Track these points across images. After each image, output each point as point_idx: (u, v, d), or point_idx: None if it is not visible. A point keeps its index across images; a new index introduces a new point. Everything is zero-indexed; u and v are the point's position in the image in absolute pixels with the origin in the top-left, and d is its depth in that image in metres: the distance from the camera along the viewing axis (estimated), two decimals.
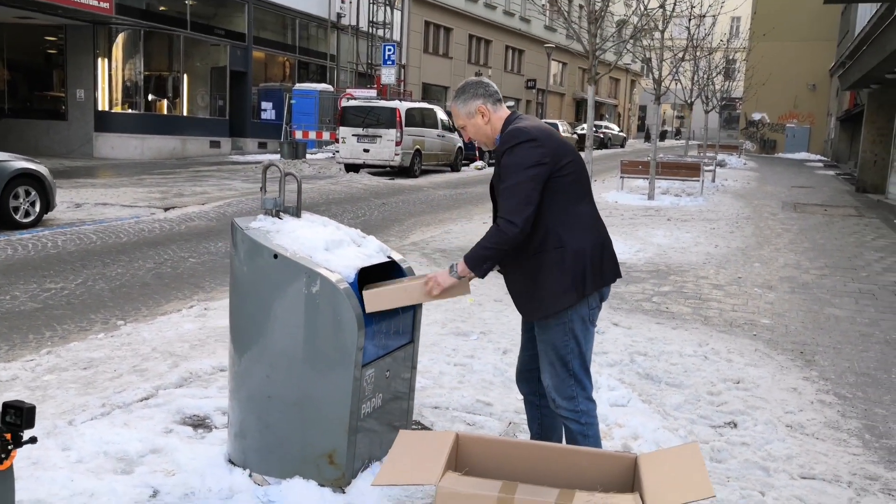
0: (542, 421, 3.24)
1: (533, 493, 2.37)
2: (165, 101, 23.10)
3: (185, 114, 23.54)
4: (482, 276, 2.92)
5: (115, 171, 17.47)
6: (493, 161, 3.12)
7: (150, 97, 22.45)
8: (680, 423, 4.02)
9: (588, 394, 2.97)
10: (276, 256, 2.95)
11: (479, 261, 2.88)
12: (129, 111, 21.94)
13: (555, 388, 2.94)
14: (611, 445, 3.65)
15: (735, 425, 4.03)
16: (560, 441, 3.22)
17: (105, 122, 21.28)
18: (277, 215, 3.23)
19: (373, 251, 3.32)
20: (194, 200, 12.62)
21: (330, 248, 3.11)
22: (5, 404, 1.54)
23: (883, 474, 3.55)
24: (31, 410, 1.51)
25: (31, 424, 1.51)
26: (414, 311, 3.40)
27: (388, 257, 3.39)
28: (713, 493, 2.30)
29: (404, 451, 2.58)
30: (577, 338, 2.90)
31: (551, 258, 2.86)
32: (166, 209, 11.49)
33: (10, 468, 1.56)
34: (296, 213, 3.32)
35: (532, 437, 3.25)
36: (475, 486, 2.41)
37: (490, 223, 3.04)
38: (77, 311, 5.98)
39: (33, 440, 1.57)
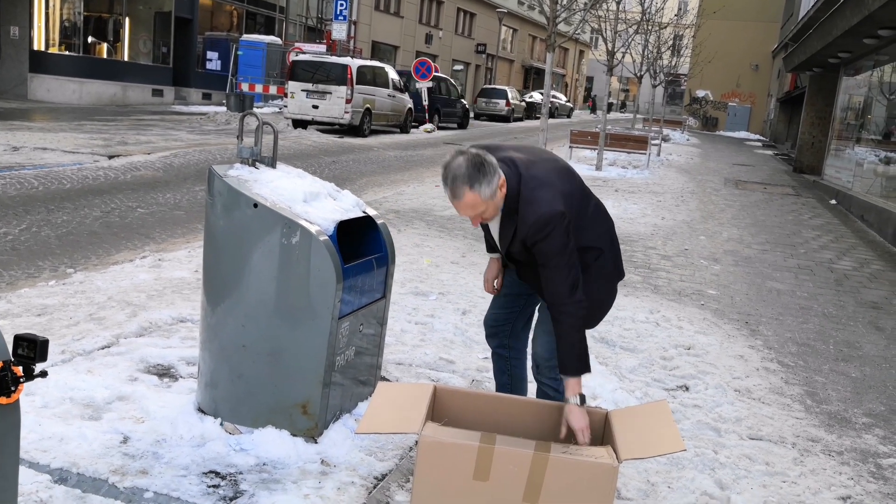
0: (512, 372, 3.29)
1: (511, 444, 2.45)
2: (106, 45, 22.23)
3: (126, 59, 22.71)
4: (589, 370, 2.75)
5: (53, 115, 16.80)
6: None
7: (89, 39, 21.57)
8: (636, 385, 4.16)
9: None
10: (255, 206, 2.92)
11: (580, 360, 2.67)
12: (67, 53, 21.05)
13: (545, 357, 2.99)
14: None
15: (687, 389, 4.20)
16: (526, 392, 3.31)
17: (41, 62, 20.36)
18: (254, 165, 3.19)
19: (349, 205, 3.31)
20: (139, 149, 12.25)
21: (308, 200, 3.09)
22: (17, 336, 1.51)
23: (824, 437, 3.76)
24: (44, 343, 1.48)
25: (44, 358, 1.49)
26: (387, 267, 3.43)
27: (364, 212, 3.40)
28: (685, 447, 2.42)
29: (385, 402, 2.62)
30: None
31: (597, 269, 2.86)
32: (110, 157, 11.13)
33: (18, 402, 1.54)
34: (272, 163, 3.29)
35: (499, 388, 3.30)
36: (456, 436, 2.47)
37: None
38: (23, 258, 5.80)
39: (44, 374, 1.54)
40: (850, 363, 4.94)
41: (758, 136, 39.82)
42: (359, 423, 2.59)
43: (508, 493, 2.40)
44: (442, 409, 2.78)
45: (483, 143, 2.92)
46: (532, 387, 3.26)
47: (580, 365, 2.67)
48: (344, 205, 3.30)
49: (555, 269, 2.64)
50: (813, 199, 14.48)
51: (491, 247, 3.10)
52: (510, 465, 2.39)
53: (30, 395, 3.09)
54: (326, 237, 2.96)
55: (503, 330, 3.21)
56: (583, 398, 2.64)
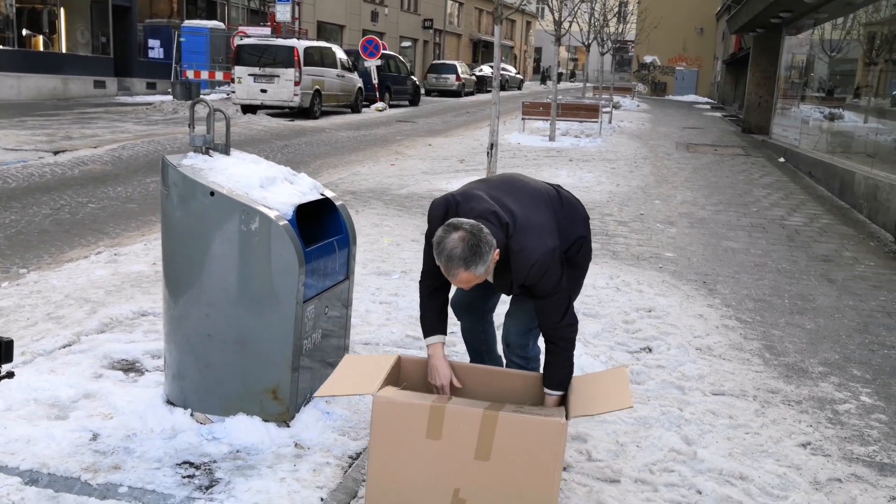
0: (487, 339, 3.32)
1: (464, 403, 2.52)
2: (42, 37, 21.54)
3: (64, 51, 22.05)
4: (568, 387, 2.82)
5: None
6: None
7: (24, 32, 20.87)
8: (600, 349, 4.24)
9: (537, 339, 3.10)
10: (212, 194, 2.89)
11: (567, 379, 2.77)
12: (2, 47, 20.33)
13: (517, 332, 3.05)
14: None
15: (650, 350, 4.29)
16: (501, 361, 3.35)
17: None
18: (207, 153, 3.15)
19: (306, 188, 3.30)
20: (85, 143, 11.96)
21: (265, 185, 3.07)
22: None
23: (783, 388, 3.89)
24: (9, 344, 1.47)
25: (9, 358, 1.47)
26: (349, 248, 3.43)
27: (322, 195, 3.38)
28: (632, 404, 2.48)
29: (348, 370, 2.69)
30: None
31: (582, 255, 3.00)
32: (56, 153, 10.85)
33: None
34: (225, 150, 3.25)
35: (473, 356, 3.35)
36: (410, 397, 2.54)
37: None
38: None
39: (10, 375, 1.53)
40: (804, 315, 5.09)
41: (706, 99, 40.38)
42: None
43: (460, 450, 2.46)
44: (407, 377, 2.83)
45: (459, 190, 2.82)
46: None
47: (566, 384, 2.77)
48: (301, 188, 3.28)
49: (550, 301, 2.71)
50: (762, 158, 14.77)
51: (434, 326, 2.90)
52: (461, 424, 2.46)
53: None
54: (286, 221, 2.95)
55: (477, 307, 3.23)
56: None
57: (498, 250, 2.57)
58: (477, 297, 3.15)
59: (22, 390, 3.14)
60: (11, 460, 2.67)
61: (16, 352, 3.61)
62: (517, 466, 2.43)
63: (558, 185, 3.08)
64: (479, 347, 3.30)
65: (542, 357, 3.14)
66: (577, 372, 3.77)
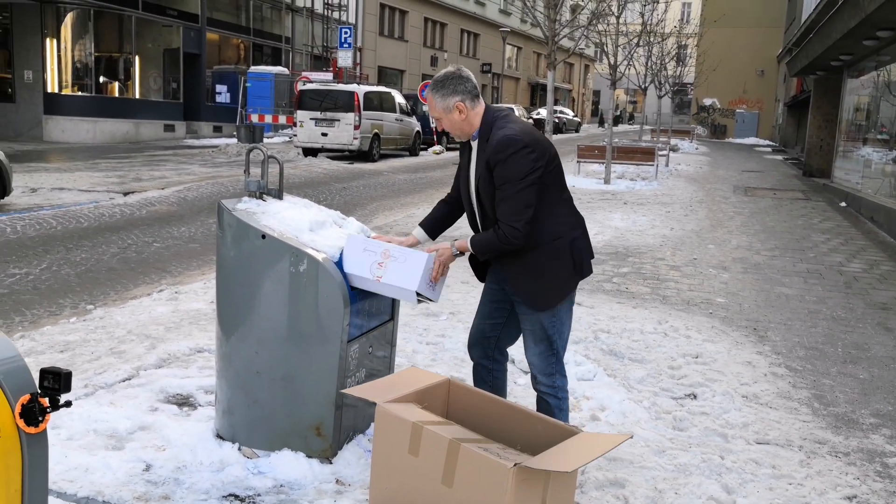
0: (494, 383, 3.36)
1: (440, 428, 2.60)
2: (117, 84, 22.67)
3: (137, 96, 23.13)
4: (482, 259, 3.15)
5: (68, 156, 17.14)
6: (458, 148, 3.22)
7: (101, 79, 22.00)
8: (644, 395, 4.24)
9: (563, 369, 3.15)
10: (263, 237, 3.05)
11: (484, 251, 3.04)
12: (80, 93, 21.48)
13: (537, 365, 3.11)
14: (579, 416, 3.85)
15: (695, 397, 4.27)
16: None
17: (55, 104, 20.80)
18: (261, 197, 3.32)
19: (355, 232, 3.43)
20: (153, 185, 12.50)
21: (314, 228, 3.22)
22: (43, 370, 1.64)
23: (830, 438, 3.82)
24: (67, 375, 1.61)
25: (67, 389, 1.61)
26: None
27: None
28: (570, 468, 2.40)
29: (395, 379, 2.86)
30: (562, 318, 3.07)
31: (551, 250, 3.00)
32: (126, 194, 11.37)
33: (45, 432, 1.67)
34: (278, 195, 3.42)
35: (481, 383, 3.39)
36: (403, 411, 2.66)
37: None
38: (45, 296, 5.97)
39: (68, 404, 1.67)
40: (858, 365, 4.98)
41: (767, 142, 39.74)
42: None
43: (432, 473, 2.55)
44: (452, 403, 2.92)
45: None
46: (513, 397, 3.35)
47: (483, 252, 3.03)
48: (349, 231, 3.42)
49: (511, 196, 2.87)
50: (823, 202, 14.49)
51: (425, 220, 3.40)
52: (433, 447, 2.55)
53: (56, 428, 3.22)
54: (333, 264, 3.08)
55: (488, 342, 3.31)
56: (461, 254, 3.11)
57: (461, 104, 2.94)
58: (489, 322, 3.27)
59: (83, 421, 3.32)
60: (70, 487, 2.83)
61: (79, 384, 3.82)
62: (474, 500, 2.48)
63: None
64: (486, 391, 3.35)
65: (567, 391, 3.19)
66: (619, 417, 3.81)
